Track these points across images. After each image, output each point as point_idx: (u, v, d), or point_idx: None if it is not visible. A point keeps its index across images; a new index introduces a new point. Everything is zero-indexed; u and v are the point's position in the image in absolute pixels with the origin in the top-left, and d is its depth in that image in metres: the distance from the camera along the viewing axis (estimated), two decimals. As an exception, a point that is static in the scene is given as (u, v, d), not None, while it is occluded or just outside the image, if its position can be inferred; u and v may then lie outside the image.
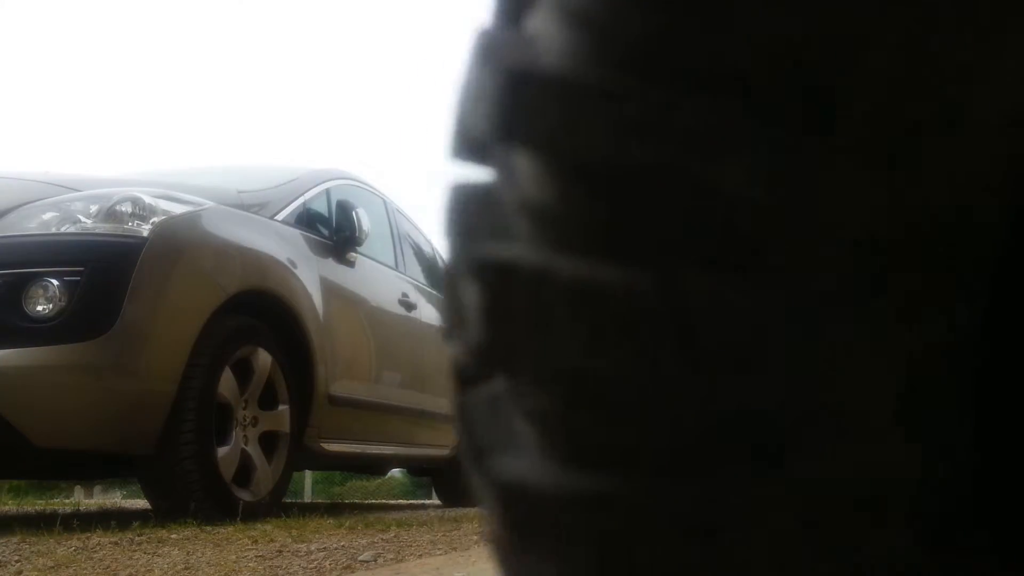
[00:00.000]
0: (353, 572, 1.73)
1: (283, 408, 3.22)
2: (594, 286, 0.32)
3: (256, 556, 1.91)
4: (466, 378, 0.39)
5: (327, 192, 4.06)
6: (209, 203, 3.09)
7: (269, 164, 4.53)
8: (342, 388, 3.69)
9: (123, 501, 7.15)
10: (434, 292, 5.25)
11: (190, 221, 2.93)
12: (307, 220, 3.75)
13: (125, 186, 2.93)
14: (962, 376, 0.31)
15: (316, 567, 1.77)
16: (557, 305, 0.33)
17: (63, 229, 2.66)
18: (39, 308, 2.49)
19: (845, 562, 0.31)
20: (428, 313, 4.95)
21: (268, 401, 3.18)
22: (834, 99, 0.29)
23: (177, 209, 2.89)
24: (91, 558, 1.83)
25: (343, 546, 2.13)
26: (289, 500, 4.93)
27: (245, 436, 3.04)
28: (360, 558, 1.94)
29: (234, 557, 1.87)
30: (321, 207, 3.94)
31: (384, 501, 9.35)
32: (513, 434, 0.36)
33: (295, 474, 4.04)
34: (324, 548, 2.07)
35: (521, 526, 0.36)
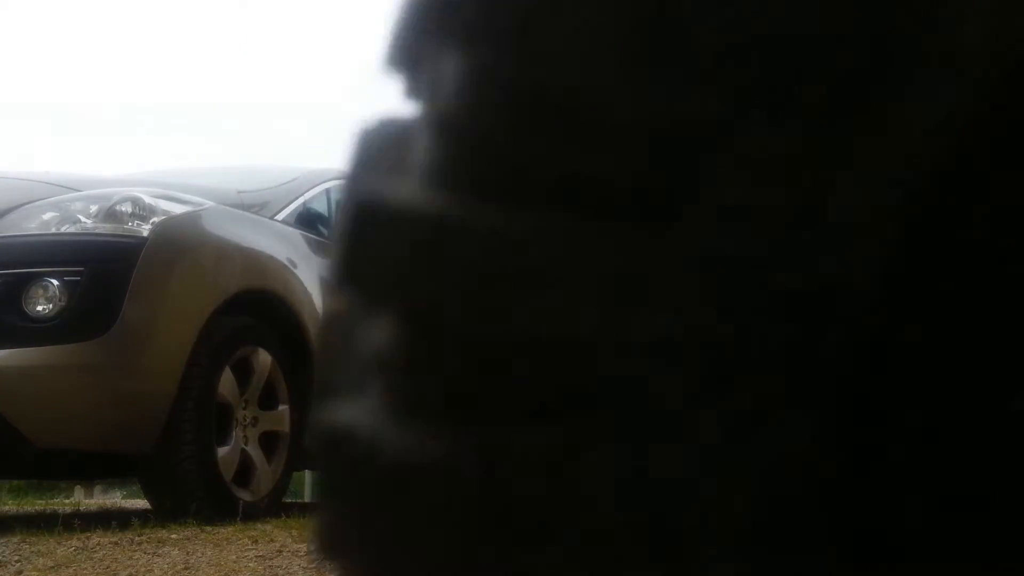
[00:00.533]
0: (353, 572, 1.72)
1: (283, 408, 3.22)
2: None
3: (256, 556, 1.91)
4: (333, 319, 0.37)
5: (327, 192, 4.05)
6: (209, 203, 3.09)
7: (269, 164, 4.53)
8: (342, 388, 3.68)
9: (123, 501, 7.14)
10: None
11: (190, 221, 2.93)
12: (307, 220, 3.75)
13: (125, 186, 2.93)
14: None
15: (316, 567, 1.76)
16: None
17: (63, 229, 2.66)
18: (39, 308, 2.49)
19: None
20: (428, 313, 4.95)
21: (268, 401, 3.18)
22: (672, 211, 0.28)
23: (177, 209, 2.89)
24: (91, 558, 1.83)
25: (343, 546, 2.13)
26: (289, 500, 4.92)
27: (245, 436, 3.04)
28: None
29: (234, 557, 1.87)
30: (321, 207, 3.94)
31: (384, 501, 9.32)
32: (359, 376, 0.33)
33: (295, 474, 4.04)
34: (324, 548, 2.07)
35: (340, 475, 0.33)
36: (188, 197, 3.02)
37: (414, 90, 0.34)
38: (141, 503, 4.51)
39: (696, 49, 0.28)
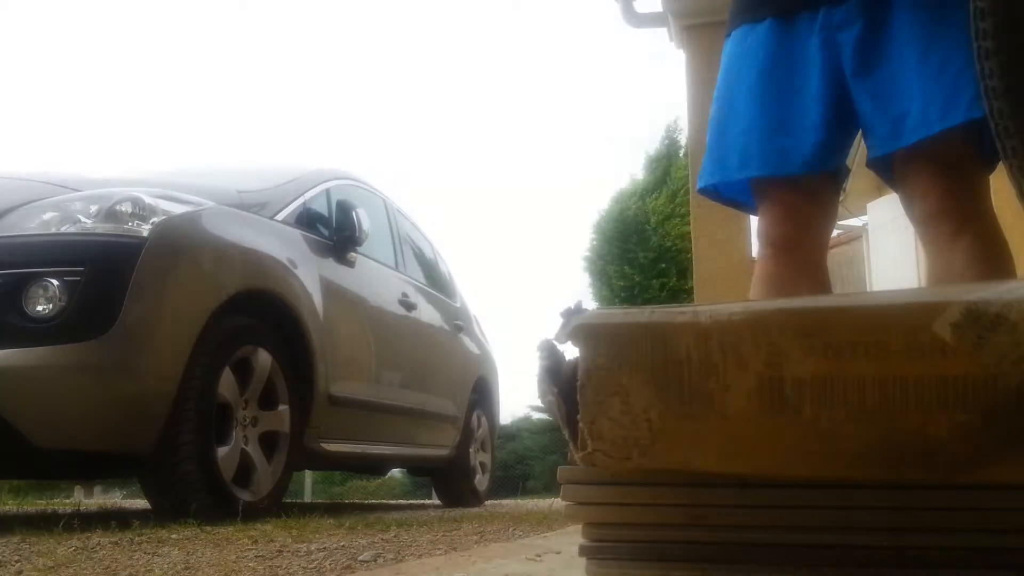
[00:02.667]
0: (353, 572, 1.72)
1: (283, 408, 3.22)
2: None
3: (256, 556, 1.90)
4: None
5: (327, 192, 4.06)
6: (209, 203, 3.09)
7: (269, 164, 4.53)
8: (342, 388, 3.69)
9: (123, 501, 7.15)
10: (434, 292, 5.25)
11: (190, 221, 2.93)
12: (307, 220, 3.75)
13: (125, 186, 2.93)
14: None
15: (316, 567, 1.77)
16: None
17: (63, 229, 2.66)
18: (39, 308, 2.49)
19: None
20: (428, 313, 4.95)
21: (268, 401, 3.18)
22: None
23: (177, 209, 2.89)
24: (91, 558, 1.83)
25: (343, 546, 2.13)
26: (289, 500, 4.93)
27: (245, 436, 3.04)
28: (360, 558, 1.94)
29: (234, 557, 1.87)
30: (321, 207, 3.94)
31: (384, 501, 9.35)
32: None
33: (295, 474, 4.05)
34: (324, 548, 2.07)
35: None
36: (188, 197, 3.02)
37: None
38: (141, 503, 4.51)
39: None
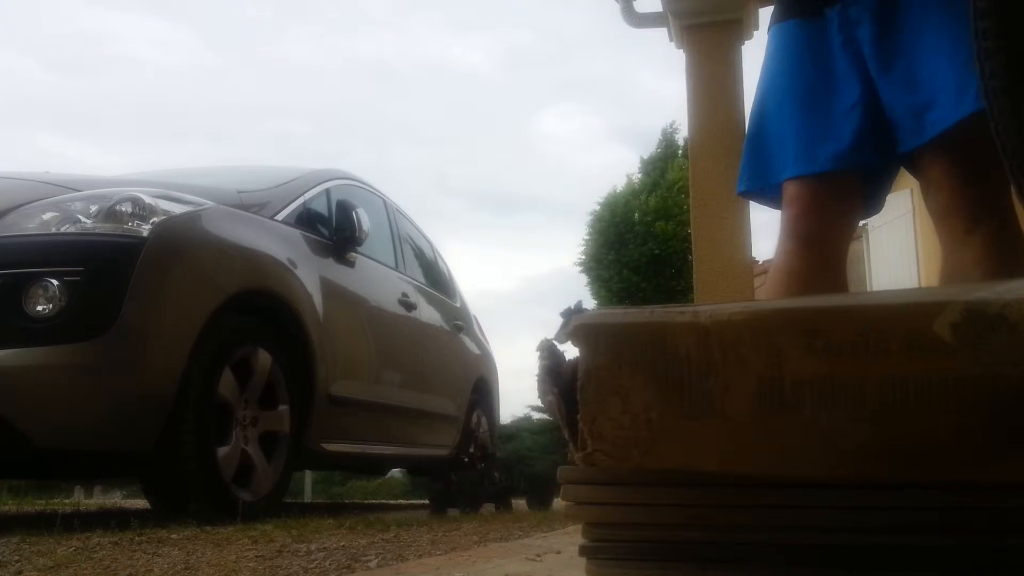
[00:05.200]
0: (353, 572, 1.72)
1: (283, 408, 3.22)
2: None
3: (256, 556, 1.90)
4: None
5: (327, 192, 4.06)
6: (209, 203, 3.09)
7: (269, 164, 4.53)
8: (342, 388, 3.68)
9: (123, 501, 7.14)
10: (434, 292, 5.24)
11: (190, 221, 2.93)
12: (307, 220, 3.75)
13: (125, 186, 2.93)
14: None
15: (316, 567, 1.76)
16: None
17: (63, 229, 2.66)
18: (39, 308, 2.49)
19: None
20: (428, 313, 4.95)
21: (268, 401, 3.17)
22: None
23: (177, 209, 2.89)
24: (91, 558, 1.82)
25: (343, 546, 2.13)
26: (289, 500, 4.93)
27: (245, 436, 3.04)
28: (360, 558, 1.93)
29: (234, 557, 1.87)
30: (321, 207, 3.94)
31: (384, 501, 9.34)
32: None
33: (295, 474, 4.04)
34: (324, 548, 2.07)
35: None
36: (188, 197, 3.01)
37: None
38: (141, 503, 4.51)
39: None
